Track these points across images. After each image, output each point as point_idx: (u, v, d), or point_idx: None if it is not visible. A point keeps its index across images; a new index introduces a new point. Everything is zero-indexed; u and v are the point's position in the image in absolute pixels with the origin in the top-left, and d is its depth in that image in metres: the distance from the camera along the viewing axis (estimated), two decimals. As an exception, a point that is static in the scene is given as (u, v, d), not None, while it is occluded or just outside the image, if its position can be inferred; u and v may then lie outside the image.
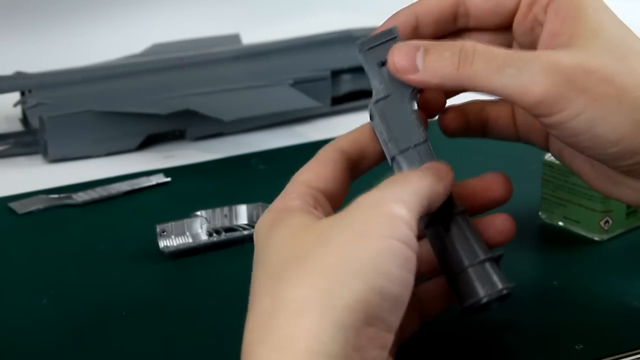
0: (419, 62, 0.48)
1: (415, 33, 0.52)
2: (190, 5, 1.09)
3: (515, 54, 0.47)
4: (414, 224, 0.43)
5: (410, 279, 0.43)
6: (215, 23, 1.01)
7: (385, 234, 0.42)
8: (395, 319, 0.42)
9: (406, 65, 0.48)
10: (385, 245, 0.42)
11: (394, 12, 0.53)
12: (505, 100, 0.51)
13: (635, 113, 0.47)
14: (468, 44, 0.47)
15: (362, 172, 0.51)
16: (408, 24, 0.52)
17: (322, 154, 0.50)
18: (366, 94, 0.88)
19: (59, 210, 0.70)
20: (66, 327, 0.56)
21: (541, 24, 0.50)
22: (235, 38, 0.93)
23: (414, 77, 0.48)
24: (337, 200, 0.49)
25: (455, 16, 0.52)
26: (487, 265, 0.48)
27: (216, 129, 0.82)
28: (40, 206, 0.70)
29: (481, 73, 0.47)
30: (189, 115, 0.80)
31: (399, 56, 0.49)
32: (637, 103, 0.47)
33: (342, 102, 0.87)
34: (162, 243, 0.62)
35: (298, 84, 0.84)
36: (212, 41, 0.91)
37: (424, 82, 0.48)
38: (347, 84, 0.87)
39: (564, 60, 0.46)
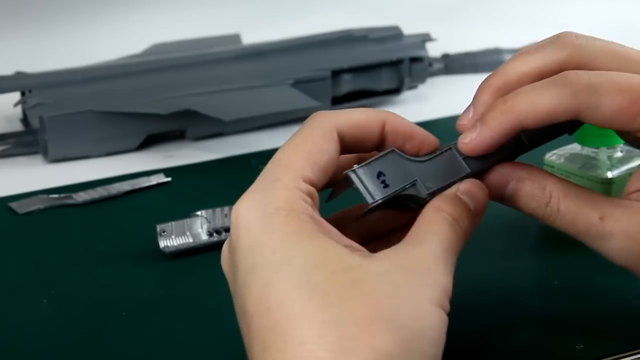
0: (507, 192, 0.48)
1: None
2: (190, 5, 1.08)
3: (598, 226, 0.46)
4: (450, 291, 0.43)
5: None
6: (215, 23, 1.01)
7: (442, 305, 0.42)
8: None
9: (493, 193, 0.48)
10: (443, 316, 0.42)
11: (491, 115, 0.47)
12: None
13: None
14: (554, 195, 0.47)
15: (350, 152, 0.48)
16: (510, 135, 0.47)
17: (316, 131, 0.46)
18: (366, 94, 0.88)
19: (59, 210, 0.70)
20: (66, 327, 0.56)
21: None
22: (235, 38, 0.93)
23: (499, 202, 0.48)
24: (324, 183, 0.46)
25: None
26: None
27: (216, 129, 0.82)
28: (40, 206, 0.70)
29: (564, 224, 0.47)
30: (189, 115, 0.80)
31: (491, 183, 0.48)
32: None
33: (342, 102, 0.87)
34: (163, 243, 0.62)
35: (298, 84, 0.84)
36: (212, 41, 0.91)
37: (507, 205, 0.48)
38: (347, 84, 0.87)
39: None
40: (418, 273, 0.42)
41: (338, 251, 0.42)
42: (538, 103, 0.46)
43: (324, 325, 0.40)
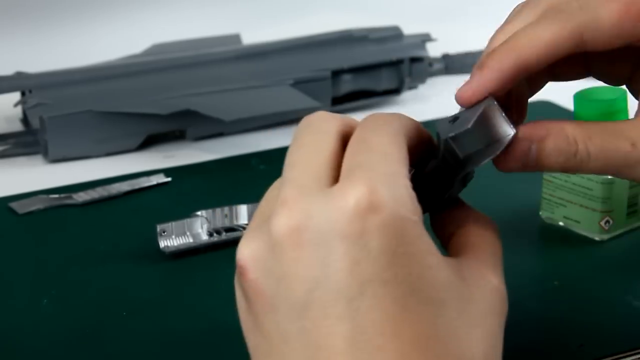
0: (532, 155, 0.44)
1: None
2: (190, 5, 1.08)
3: (633, 153, 0.44)
4: None
5: None
6: (215, 23, 1.01)
7: (501, 329, 0.41)
8: None
9: (518, 163, 0.44)
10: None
11: (492, 56, 0.45)
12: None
13: None
14: (582, 147, 0.44)
15: None
16: (515, 76, 0.44)
17: (393, 138, 0.41)
18: (366, 94, 0.88)
19: (59, 210, 0.70)
20: (66, 327, 0.56)
21: None
22: (235, 38, 0.93)
23: (524, 168, 0.45)
24: None
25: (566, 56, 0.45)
26: None
27: (216, 129, 0.82)
28: (40, 206, 0.70)
29: (599, 170, 0.45)
30: (189, 115, 0.80)
31: (513, 154, 0.44)
32: None
33: (342, 102, 0.87)
34: (163, 243, 0.62)
35: (298, 84, 0.84)
36: (212, 41, 0.91)
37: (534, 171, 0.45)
38: (347, 84, 0.87)
39: None
40: (493, 302, 0.41)
41: (442, 262, 0.40)
42: (538, 36, 0.44)
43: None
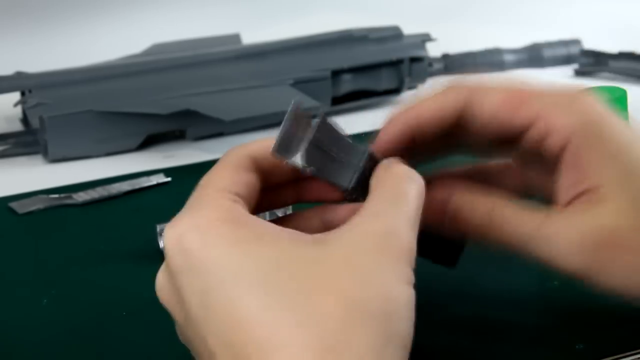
0: (448, 213, 0.48)
1: (411, 142, 0.49)
2: (190, 5, 1.09)
3: (543, 223, 0.47)
4: (415, 258, 0.42)
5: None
6: (215, 23, 1.01)
7: (407, 280, 0.41)
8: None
9: (434, 216, 0.48)
10: (410, 292, 0.41)
11: (389, 116, 0.50)
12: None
13: None
14: (497, 208, 0.47)
15: (272, 184, 0.47)
16: (405, 134, 0.49)
17: (230, 158, 0.46)
18: (366, 94, 0.88)
19: (59, 210, 0.70)
20: (66, 327, 0.56)
21: (554, 157, 0.48)
22: (235, 38, 0.93)
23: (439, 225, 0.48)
24: (251, 210, 0.45)
25: (454, 126, 0.49)
26: None
27: (216, 129, 0.82)
28: (40, 206, 0.70)
29: (510, 240, 0.48)
30: (189, 115, 0.80)
31: (428, 207, 0.46)
32: None
33: (342, 102, 0.87)
34: (162, 243, 0.62)
35: (298, 84, 0.84)
36: (212, 41, 0.91)
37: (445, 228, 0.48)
38: (347, 84, 0.87)
39: (590, 230, 0.46)
40: (381, 251, 0.41)
41: (292, 246, 0.41)
42: (431, 102, 0.49)
43: (300, 327, 0.38)
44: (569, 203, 0.47)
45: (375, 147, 0.49)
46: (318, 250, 0.41)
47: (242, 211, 0.43)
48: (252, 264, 0.40)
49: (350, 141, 0.47)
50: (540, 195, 0.51)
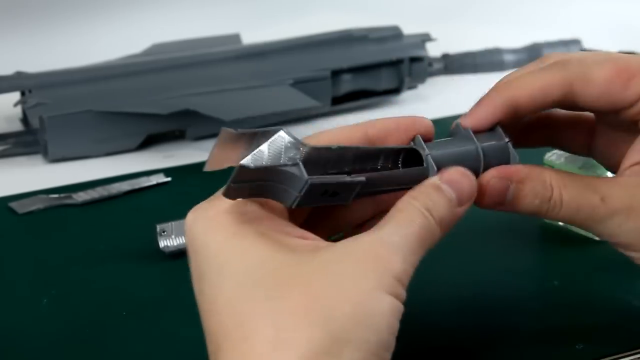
0: (509, 196, 0.47)
1: (513, 120, 0.48)
2: (190, 5, 1.08)
3: (601, 205, 0.47)
4: (406, 279, 0.42)
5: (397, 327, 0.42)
6: (215, 23, 1.01)
7: (388, 291, 0.41)
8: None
9: (496, 200, 0.47)
10: (389, 302, 0.41)
11: (486, 95, 0.48)
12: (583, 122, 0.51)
13: None
14: (555, 185, 0.47)
15: None
16: (503, 111, 0.48)
17: None
18: (366, 94, 0.88)
19: (59, 210, 0.70)
20: (66, 327, 0.56)
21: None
22: (235, 38, 0.93)
23: (501, 208, 0.47)
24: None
25: (557, 104, 0.49)
26: None
27: (216, 129, 0.81)
28: (40, 206, 0.70)
29: (569, 218, 0.47)
30: (189, 115, 0.80)
31: (491, 190, 0.46)
32: None
33: (342, 102, 0.87)
34: (162, 243, 0.62)
35: (298, 84, 0.84)
36: (212, 41, 0.91)
37: (511, 211, 0.48)
38: (347, 84, 0.87)
39: None
40: (364, 260, 0.41)
41: (282, 247, 0.42)
42: (530, 80, 0.47)
43: (263, 319, 0.40)
44: (626, 169, 0.48)
45: (470, 120, 0.48)
46: (307, 254, 0.42)
47: (253, 207, 0.44)
48: (239, 258, 0.42)
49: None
50: (600, 160, 0.52)
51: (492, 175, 0.47)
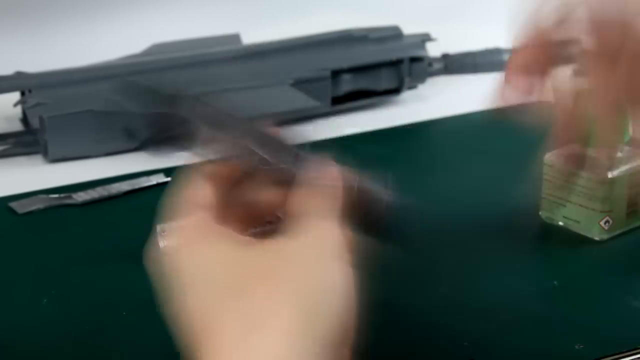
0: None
1: None
2: (190, 5, 1.08)
3: None
4: (347, 239, 0.45)
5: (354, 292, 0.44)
6: (215, 23, 1.01)
7: (338, 258, 0.43)
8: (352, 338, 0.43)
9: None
10: (342, 269, 0.43)
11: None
12: None
13: None
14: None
15: (232, 181, 0.51)
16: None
17: (192, 180, 0.50)
18: (366, 93, 0.88)
19: (59, 210, 0.70)
20: (66, 327, 0.56)
21: None
22: (235, 38, 0.93)
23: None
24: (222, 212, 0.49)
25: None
26: None
27: (216, 129, 0.82)
28: (40, 206, 0.70)
29: None
30: (189, 115, 0.80)
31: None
32: None
33: (342, 102, 0.87)
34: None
35: (298, 84, 0.84)
36: (212, 41, 0.91)
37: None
38: (347, 84, 0.87)
39: None
40: (312, 239, 0.44)
41: (231, 245, 0.44)
42: None
43: (230, 312, 0.42)
44: None
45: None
46: (262, 249, 0.44)
47: (197, 219, 0.47)
48: (201, 265, 0.44)
49: None
50: None
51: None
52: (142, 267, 0.62)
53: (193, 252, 0.45)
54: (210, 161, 0.50)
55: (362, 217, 0.49)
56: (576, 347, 0.52)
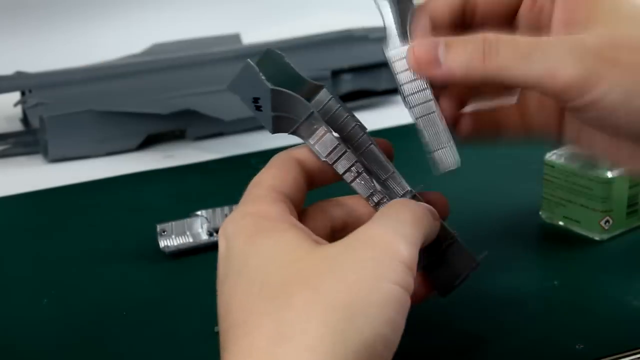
0: (442, 56, 0.47)
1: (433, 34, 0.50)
2: (190, 5, 1.08)
3: (539, 40, 0.46)
4: (414, 265, 0.43)
5: (403, 324, 0.42)
6: (215, 23, 1.01)
7: (392, 279, 0.42)
8: None
9: (428, 58, 0.47)
10: (392, 292, 0.41)
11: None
12: (512, 102, 0.51)
13: None
14: (490, 35, 0.46)
15: (316, 185, 0.49)
16: (426, 27, 0.51)
17: (278, 161, 0.49)
18: (366, 93, 0.88)
19: (59, 210, 0.70)
20: (66, 327, 0.56)
21: (548, 15, 0.49)
22: (235, 38, 0.93)
23: (438, 72, 0.47)
24: (298, 208, 0.48)
25: (463, 13, 0.51)
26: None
27: (216, 129, 0.82)
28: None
29: (508, 62, 0.46)
30: (189, 115, 0.80)
31: (420, 51, 0.48)
32: None
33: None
34: (163, 243, 0.62)
35: (298, 84, 0.84)
36: (212, 41, 0.91)
37: (448, 75, 0.47)
38: (347, 84, 0.87)
39: (588, 40, 0.45)
40: (364, 249, 0.42)
41: (292, 245, 0.43)
42: None
43: (265, 316, 0.41)
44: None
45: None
46: (313, 249, 0.43)
47: (273, 208, 0.45)
48: (253, 258, 0.43)
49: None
50: (541, 136, 0.52)
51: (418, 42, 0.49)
52: (142, 267, 0.62)
53: (255, 243, 0.44)
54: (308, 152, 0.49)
55: (436, 263, 0.49)
56: (576, 347, 0.52)
